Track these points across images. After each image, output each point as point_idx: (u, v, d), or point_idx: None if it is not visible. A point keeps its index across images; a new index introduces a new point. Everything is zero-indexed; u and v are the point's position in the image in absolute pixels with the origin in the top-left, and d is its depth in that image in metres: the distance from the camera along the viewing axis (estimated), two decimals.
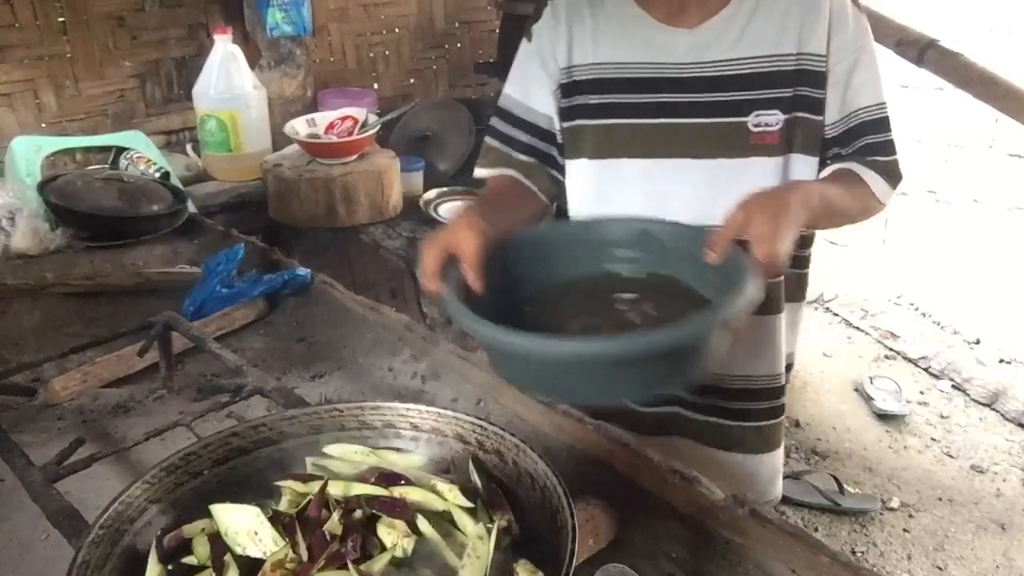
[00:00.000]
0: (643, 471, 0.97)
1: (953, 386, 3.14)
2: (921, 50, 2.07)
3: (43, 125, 2.10)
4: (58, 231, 1.70)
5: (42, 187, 1.74)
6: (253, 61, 2.25)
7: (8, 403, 1.13)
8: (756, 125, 1.11)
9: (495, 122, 1.25)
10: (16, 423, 1.09)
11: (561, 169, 1.23)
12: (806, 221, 0.92)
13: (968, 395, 3.08)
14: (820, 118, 1.12)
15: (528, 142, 1.22)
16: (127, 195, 1.77)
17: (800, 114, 1.11)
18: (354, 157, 2.01)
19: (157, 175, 1.94)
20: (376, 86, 2.67)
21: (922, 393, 3.12)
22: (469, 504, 0.75)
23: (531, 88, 1.20)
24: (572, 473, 0.75)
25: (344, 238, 2.06)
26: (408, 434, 0.85)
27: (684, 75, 1.11)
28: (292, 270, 1.49)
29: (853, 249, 3.92)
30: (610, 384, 0.76)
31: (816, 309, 3.72)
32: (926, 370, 3.25)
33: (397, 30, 2.70)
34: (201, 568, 0.71)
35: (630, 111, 1.14)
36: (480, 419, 0.82)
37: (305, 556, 0.68)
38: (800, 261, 1.25)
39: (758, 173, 1.11)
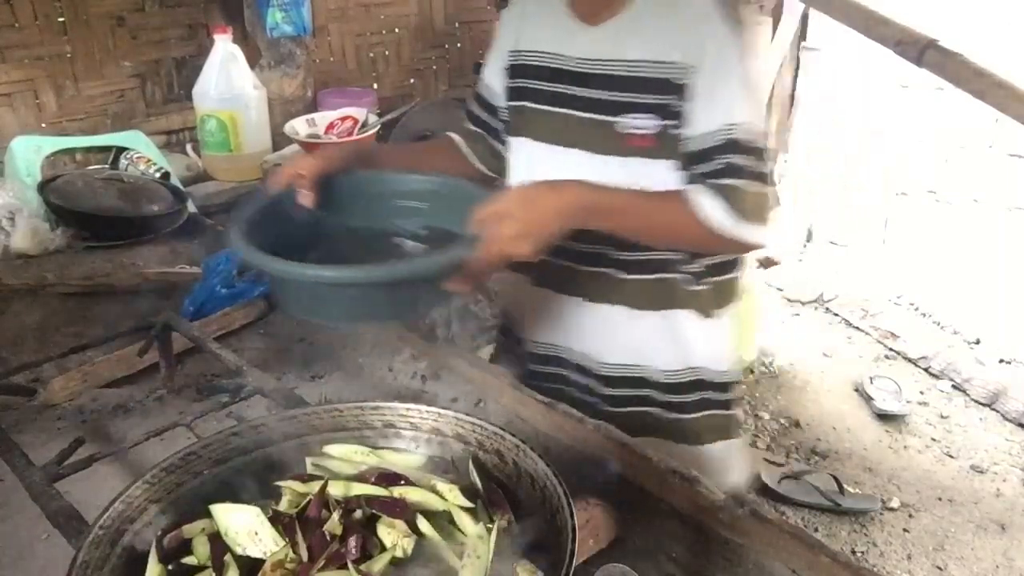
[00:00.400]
0: (643, 471, 0.97)
1: (953, 386, 3.14)
2: (921, 50, 2.07)
3: (43, 125, 2.10)
4: (58, 231, 1.70)
5: (42, 187, 1.74)
6: (253, 61, 2.25)
7: (8, 403, 1.13)
8: (627, 127, 1.13)
9: (474, 92, 1.37)
10: (16, 423, 1.09)
11: (504, 144, 1.32)
12: (570, 224, 1.00)
13: (968, 395, 3.08)
14: (684, 131, 1.11)
15: (477, 113, 1.34)
16: (127, 195, 1.77)
17: (670, 122, 1.11)
18: None
19: (157, 175, 1.94)
20: (376, 86, 2.67)
21: (922, 393, 3.12)
22: (469, 504, 0.75)
23: (490, 63, 1.31)
24: (572, 473, 0.75)
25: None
26: (408, 434, 0.85)
27: (579, 69, 1.16)
28: None
29: (853, 249, 3.92)
30: (358, 308, 0.95)
31: (816, 309, 3.72)
32: (926, 370, 3.25)
33: (397, 30, 2.70)
34: (201, 568, 0.71)
35: (538, 97, 1.22)
36: (480, 419, 0.82)
37: (305, 556, 0.68)
38: (719, 268, 1.22)
39: (636, 174, 1.13)
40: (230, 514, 0.72)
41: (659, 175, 1.13)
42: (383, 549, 0.71)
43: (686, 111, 1.10)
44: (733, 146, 1.07)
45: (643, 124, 1.12)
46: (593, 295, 1.24)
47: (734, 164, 1.07)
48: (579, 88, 1.16)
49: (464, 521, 0.74)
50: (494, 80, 1.30)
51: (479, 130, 1.34)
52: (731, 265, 1.25)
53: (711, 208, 1.06)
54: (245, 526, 0.71)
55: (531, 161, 1.24)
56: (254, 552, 0.70)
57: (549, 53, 1.20)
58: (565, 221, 0.99)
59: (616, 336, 1.25)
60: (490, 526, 0.71)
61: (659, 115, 1.11)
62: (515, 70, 1.25)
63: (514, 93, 1.26)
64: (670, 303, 1.22)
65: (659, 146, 1.12)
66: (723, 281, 1.25)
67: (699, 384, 1.26)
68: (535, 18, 1.24)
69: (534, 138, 1.23)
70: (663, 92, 1.10)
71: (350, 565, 0.68)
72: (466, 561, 0.68)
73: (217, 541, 0.72)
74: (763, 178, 1.09)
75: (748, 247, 1.12)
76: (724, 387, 1.28)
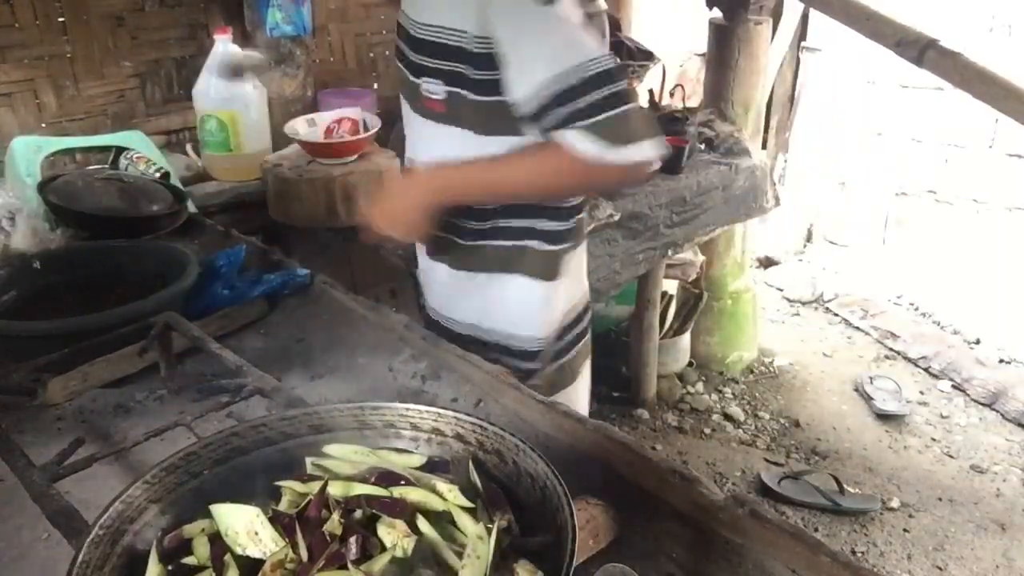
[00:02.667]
0: (643, 471, 0.97)
1: (953, 386, 3.14)
2: (921, 50, 2.07)
3: (43, 125, 2.10)
4: (58, 231, 1.69)
5: (42, 187, 1.74)
6: None
7: (8, 403, 1.13)
8: (425, 91, 1.19)
9: None
10: (16, 423, 1.09)
11: None
12: (431, 205, 1.20)
13: (968, 395, 3.08)
14: (484, 98, 1.15)
15: None
16: (127, 195, 1.77)
17: (460, 91, 1.16)
18: (354, 157, 2.01)
19: (157, 175, 1.94)
20: (376, 86, 2.67)
21: (922, 393, 3.12)
22: (469, 504, 0.75)
23: None
24: (572, 473, 0.74)
25: (344, 238, 2.06)
26: (408, 434, 0.85)
27: (409, 31, 1.21)
28: (292, 270, 1.49)
29: (853, 249, 3.93)
30: None
31: (816, 309, 3.72)
32: (926, 370, 3.25)
33: None
34: (201, 568, 0.71)
35: (402, 60, 1.27)
36: (480, 419, 0.82)
37: (305, 556, 0.68)
38: (547, 235, 1.31)
39: (430, 135, 1.25)
40: (230, 514, 0.72)
41: (451, 140, 1.21)
42: (383, 549, 0.70)
43: (486, 80, 1.13)
44: (569, 93, 1.05)
45: (434, 88, 1.18)
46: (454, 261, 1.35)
47: (576, 108, 1.06)
48: (407, 48, 1.23)
49: (464, 521, 0.74)
50: None
51: None
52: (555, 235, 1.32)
53: (580, 143, 1.07)
54: (245, 526, 0.71)
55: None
56: (254, 552, 0.70)
57: (403, 14, 1.25)
58: (424, 205, 1.20)
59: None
60: (490, 526, 0.71)
61: (445, 81, 1.16)
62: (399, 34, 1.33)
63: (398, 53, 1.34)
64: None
65: (448, 113, 1.19)
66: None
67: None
68: None
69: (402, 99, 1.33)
70: (453, 59, 1.14)
71: (350, 565, 0.68)
72: (466, 561, 0.68)
73: (217, 541, 0.72)
74: (617, 100, 1.07)
75: (636, 168, 1.10)
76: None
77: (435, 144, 1.26)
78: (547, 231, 1.30)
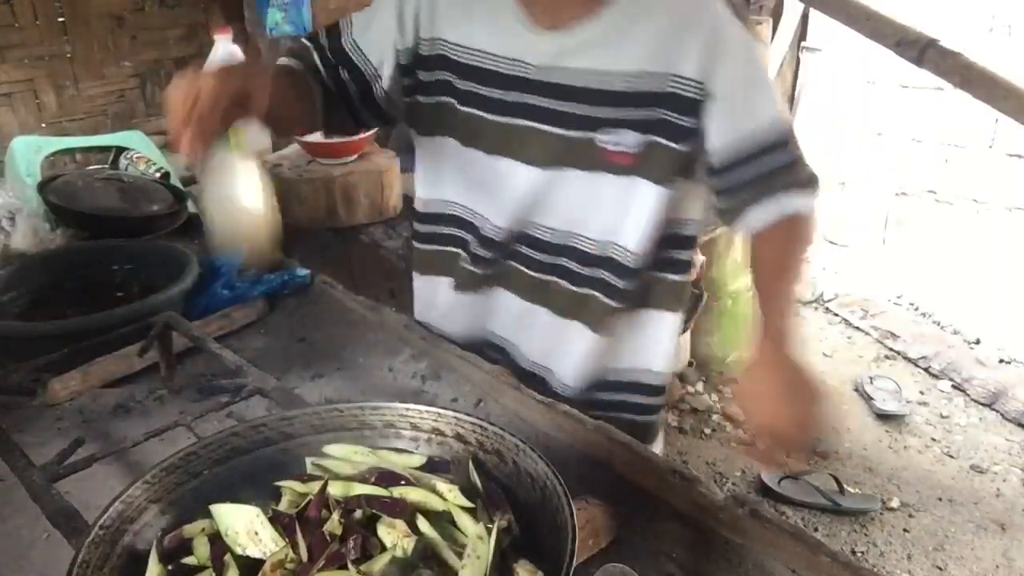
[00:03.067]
0: (643, 471, 0.97)
1: (953, 386, 3.14)
2: (921, 50, 2.07)
3: (43, 125, 2.10)
4: (58, 231, 1.70)
5: (42, 187, 1.74)
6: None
7: (8, 403, 1.13)
8: (605, 142, 1.05)
9: (319, 36, 1.19)
10: (16, 423, 1.08)
11: (373, 112, 1.20)
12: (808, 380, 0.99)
13: (968, 395, 3.08)
14: (682, 148, 1.05)
15: (344, 77, 1.17)
16: (127, 195, 1.77)
17: (657, 139, 1.04)
18: (354, 157, 2.01)
19: (157, 175, 1.94)
20: None
21: (922, 393, 3.12)
22: (469, 504, 0.75)
23: (369, 27, 1.16)
24: (572, 473, 0.74)
25: (344, 238, 2.06)
26: (408, 434, 0.85)
27: (541, 79, 1.06)
28: (292, 270, 1.49)
29: (853, 249, 3.93)
30: None
31: (816, 309, 3.72)
32: (926, 370, 3.25)
33: None
34: (201, 568, 0.71)
35: (487, 105, 1.11)
36: (480, 419, 0.81)
37: (305, 556, 0.68)
38: (676, 265, 1.20)
39: (604, 191, 1.09)
40: (230, 514, 0.72)
41: (639, 195, 1.09)
42: (383, 549, 0.71)
43: (690, 128, 1.03)
44: (775, 144, 1.04)
45: (624, 140, 1.05)
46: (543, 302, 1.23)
47: (782, 162, 1.05)
48: (543, 99, 1.07)
49: (464, 521, 0.74)
50: (373, 52, 1.16)
51: (336, 89, 1.18)
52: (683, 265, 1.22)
53: (807, 202, 1.07)
54: (245, 526, 0.71)
55: (471, 171, 1.17)
56: (254, 552, 0.70)
57: (499, 56, 1.08)
58: (808, 381, 0.99)
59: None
60: (490, 526, 0.71)
61: (639, 130, 1.04)
62: (444, 63, 1.13)
63: (432, 88, 1.15)
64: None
65: (639, 165, 1.06)
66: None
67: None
68: (476, 11, 1.10)
69: (477, 147, 1.14)
70: (652, 106, 1.03)
71: (350, 565, 0.68)
72: (466, 561, 0.68)
73: (217, 541, 0.72)
74: (802, 154, 1.08)
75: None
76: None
77: (617, 202, 1.10)
78: (679, 260, 1.22)
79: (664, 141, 1.05)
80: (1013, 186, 3.35)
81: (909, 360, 3.32)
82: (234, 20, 2.28)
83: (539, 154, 1.10)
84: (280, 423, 0.84)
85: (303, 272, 1.49)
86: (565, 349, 1.23)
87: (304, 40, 1.21)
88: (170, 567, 0.70)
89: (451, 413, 0.83)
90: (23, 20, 2.01)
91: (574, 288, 1.19)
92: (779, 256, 1.10)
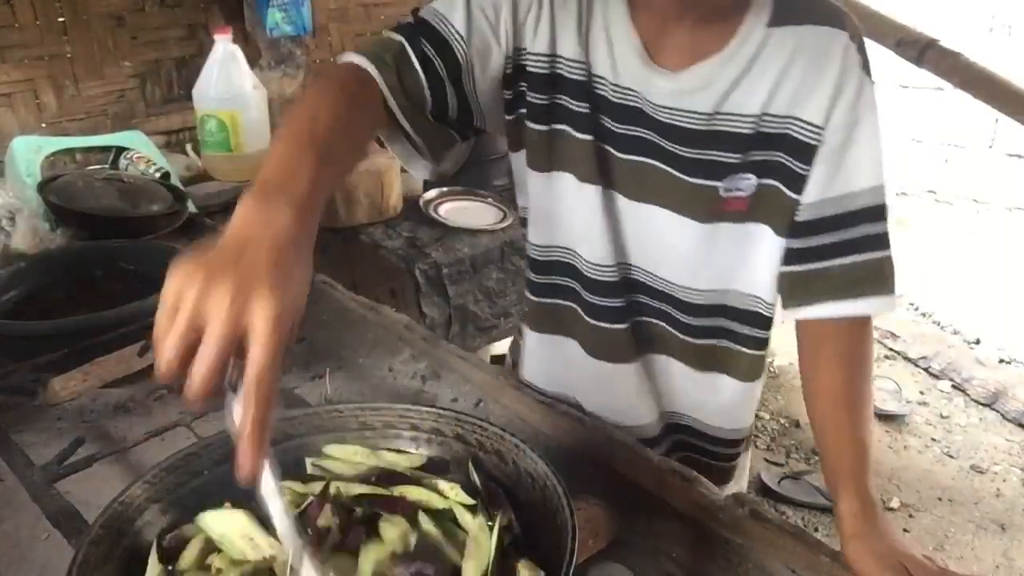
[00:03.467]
0: (643, 471, 0.97)
1: (953, 386, 3.14)
2: (921, 50, 2.07)
3: (43, 125, 2.10)
4: (58, 231, 1.69)
5: (42, 187, 1.74)
6: (253, 61, 2.25)
7: (8, 403, 1.13)
8: (728, 191, 0.97)
9: (402, 37, 0.93)
10: (16, 423, 1.08)
11: (461, 132, 1.03)
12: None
13: (968, 395, 3.09)
14: (792, 195, 0.96)
15: (442, 89, 0.94)
16: (127, 195, 1.77)
17: (772, 182, 0.97)
18: None
19: (157, 175, 1.94)
20: None
21: (922, 393, 3.12)
22: (471, 501, 0.75)
23: (477, 17, 0.94)
24: (572, 473, 0.74)
25: (344, 238, 2.06)
26: (408, 434, 0.85)
27: (662, 118, 0.96)
28: None
29: None
30: None
31: None
32: (926, 370, 3.25)
33: None
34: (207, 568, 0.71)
35: (610, 138, 1.00)
36: (480, 419, 0.82)
37: None
38: (757, 342, 1.11)
39: (722, 240, 1.01)
40: (220, 521, 0.72)
41: (753, 244, 1.01)
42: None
43: (805, 175, 0.95)
44: (866, 214, 0.96)
45: (742, 184, 0.97)
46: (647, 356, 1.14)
47: (866, 235, 0.96)
48: (666, 141, 0.97)
49: (466, 519, 0.74)
50: (477, 34, 0.94)
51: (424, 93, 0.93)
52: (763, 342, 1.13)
53: (872, 305, 0.98)
54: (239, 531, 0.71)
55: (598, 211, 1.03)
56: (253, 556, 0.70)
57: (621, 87, 0.97)
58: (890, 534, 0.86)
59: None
60: (491, 523, 0.71)
61: (757, 173, 0.96)
62: (562, 84, 0.99)
63: (546, 113, 1.01)
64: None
65: (750, 208, 0.98)
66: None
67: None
68: (592, 31, 0.98)
69: (604, 186, 1.02)
70: (769, 148, 0.95)
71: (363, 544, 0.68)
72: (468, 554, 0.68)
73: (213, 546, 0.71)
74: (890, 242, 0.99)
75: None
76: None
77: (729, 253, 1.02)
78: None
79: (778, 184, 0.97)
80: (1013, 186, 3.35)
81: (909, 360, 3.32)
82: (234, 20, 2.28)
83: (662, 197, 1.01)
84: (280, 423, 0.84)
85: None
86: (712, 400, 1.16)
87: (393, 34, 0.95)
88: (170, 567, 0.70)
89: (451, 413, 0.83)
90: (23, 20, 2.01)
91: (717, 342, 1.11)
92: (848, 368, 0.99)
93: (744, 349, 1.11)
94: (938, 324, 3.48)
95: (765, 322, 1.09)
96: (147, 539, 0.72)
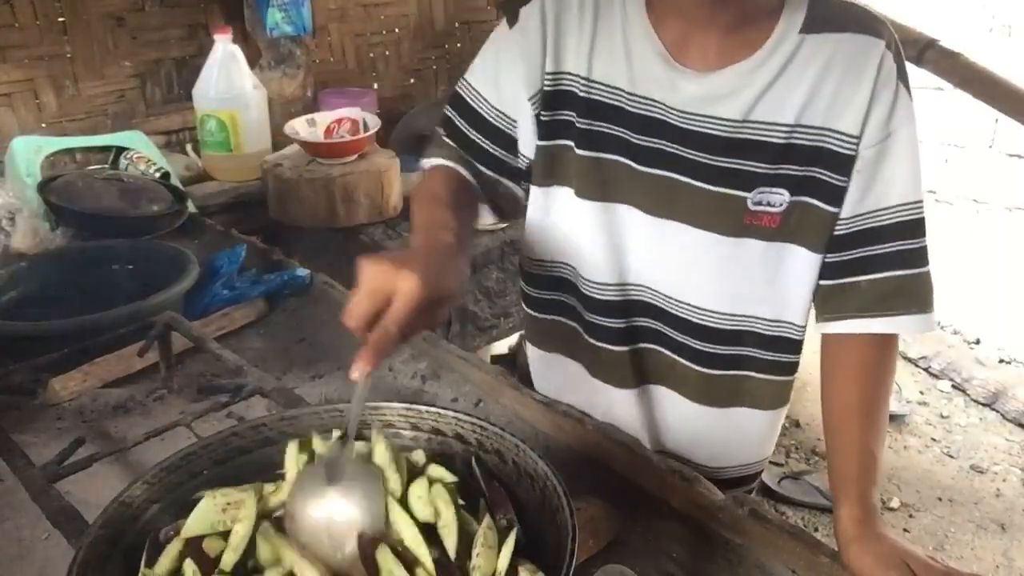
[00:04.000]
0: (643, 471, 0.97)
1: (953, 386, 3.14)
2: (921, 50, 2.07)
3: (43, 125, 2.10)
4: (58, 231, 1.70)
5: (42, 187, 1.74)
6: (253, 61, 2.25)
7: (8, 403, 1.13)
8: (757, 203, 0.94)
9: (451, 114, 1.06)
10: (16, 423, 1.09)
11: (517, 181, 1.07)
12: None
13: (968, 395, 3.09)
14: (833, 209, 0.94)
15: (492, 151, 1.04)
16: (127, 195, 1.77)
17: (808, 199, 0.93)
18: (354, 157, 2.01)
19: (157, 175, 1.94)
20: (376, 86, 2.67)
21: (922, 393, 3.12)
22: (452, 478, 0.75)
23: (503, 82, 1.00)
24: (572, 473, 0.75)
25: (344, 238, 2.06)
26: (408, 434, 0.85)
27: (688, 126, 0.93)
28: (292, 270, 1.49)
29: None
30: None
31: None
32: (926, 370, 3.25)
33: (397, 30, 2.70)
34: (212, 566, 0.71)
35: (625, 150, 0.97)
36: (480, 419, 0.81)
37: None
38: (785, 368, 1.09)
39: (748, 258, 0.97)
40: (196, 518, 0.70)
41: (784, 263, 0.97)
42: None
43: (843, 188, 0.92)
44: (903, 228, 0.93)
45: (773, 199, 0.93)
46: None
47: (902, 249, 0.92)
48: (691, 151, 0.94)
49: (468, 517, 0.74)
50: (509, 104, 1.01)
51: (491, 173, 1.05)
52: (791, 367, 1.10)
53: (904, 325, 0.94)
54: (210, 510, 0.70)
55: (599, 227, 1.01)
56: (231, 522, 0.70)
57: (637, 96, 0.95)
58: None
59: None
60: (505, 526, 0.71)
61: (790, 189, 0.93)
62: (566, 100, 0.98)
63: (564, 131, 0.99)
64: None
65: (782, 226, 0.95)
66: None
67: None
68: (601, 41, 0.96)
69: (602, 199, 1.00)
70: (805, 163, 0.92)
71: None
72: (478, 550, 0.68)
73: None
74: (927, 258, 0.94)
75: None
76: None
77: (755, 273, 0.98)
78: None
79: (813, 200, 0.94)
80: (1013, 186, 3.35)
81: (909, 360, 3.32)
82: (234, 20, 2.28)
83: (688, 212, 0.97)
84: (280, 423, 0.84)
85: (303, 272, 1.49)
86: (736, 436, 1.14)
87: (449, 141, 1.06)
88: (169, 567, 0.70)
89: (451, 413, 0.83)
90: (23, 20, 2.01)
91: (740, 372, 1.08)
92: (866, 381, 0.96)
93: (769, 377, 1.08)
94: (938, 324, 3.49)
95: (795, 346, 1.06)
96: (147, 539, 0.72)
